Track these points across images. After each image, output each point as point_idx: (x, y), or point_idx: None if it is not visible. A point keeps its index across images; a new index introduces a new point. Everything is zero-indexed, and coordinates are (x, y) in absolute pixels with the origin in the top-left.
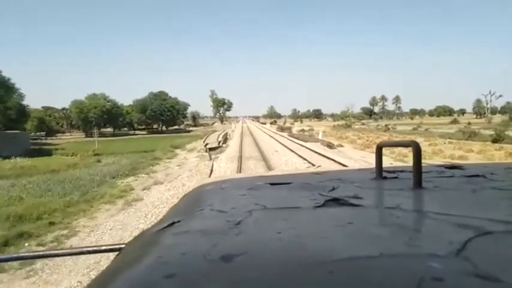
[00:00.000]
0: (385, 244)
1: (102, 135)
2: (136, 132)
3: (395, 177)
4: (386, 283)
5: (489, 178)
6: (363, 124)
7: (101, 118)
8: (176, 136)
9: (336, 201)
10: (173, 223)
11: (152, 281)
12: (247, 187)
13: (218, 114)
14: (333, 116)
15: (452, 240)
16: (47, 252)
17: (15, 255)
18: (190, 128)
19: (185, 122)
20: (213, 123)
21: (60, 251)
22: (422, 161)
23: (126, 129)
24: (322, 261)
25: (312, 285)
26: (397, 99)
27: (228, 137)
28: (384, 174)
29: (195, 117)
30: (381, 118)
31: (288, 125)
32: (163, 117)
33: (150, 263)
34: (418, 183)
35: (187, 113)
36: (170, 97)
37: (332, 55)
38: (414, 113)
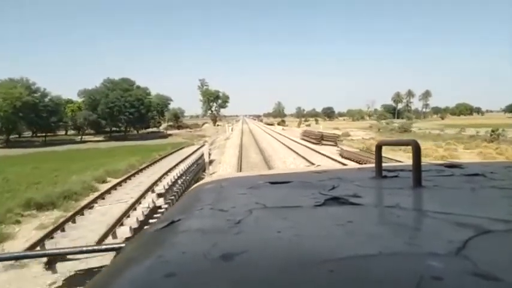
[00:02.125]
0: (385, 243)
1: (23, 142)
2: (87, 138)
3: (395, 176)
4: (386, 282)
5: (489, 177)
6: (404, 129)
7: (15, 116)
8: (138, 146)
9: (336, 200)
10: (173, 222)
11: (152, 280)
12: (247, 186)
13: (210, 111)
14: (342, 114)
15: (452, 239)
16: (47, 252)
17: (15, 254)
18: (170, 132)
19: (164, 124)
20: (203, 124)
21: (60, 250)
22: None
23: (84, 132)
24: (322, 260)
25: (312, 284)
26: (426, 95)
27: (206, 167)
28: (384, 173)
29: (177, 116)
30: (411, 118)
31: (316, 128)
32: (124, 115)
33: (150, 262)
34: (417, 182)
35: (167, 110)
36: (138, 87)
37: (337, 52)
38: (437, 111)
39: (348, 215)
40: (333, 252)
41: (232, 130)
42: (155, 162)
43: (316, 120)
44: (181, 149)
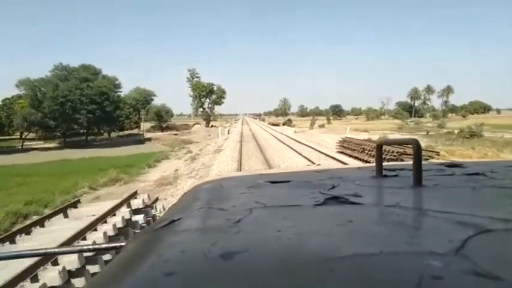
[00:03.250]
0: (385, 242)
1: None
2: (36, 144)
3: (396, 176)
4: (386, 281)
5: (489, 176)
6: (472, 133)
7: None
8: (86, 160)
9: (336, 200)
10: (173, 221)
11: (152, 279)
12: (247, 185)
13: (202, 109)
14: (347, 112)
15: (452, 238)
16: (48, 251)
17: (15, 253)
18: (152, 134)
19: (146, 124)
20: (193, 125)
21: (61, 249)
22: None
23: (26, 136)
24: (322, 259)
25: (312, 283)
26: (447, 91)
27: None
28: (384, 172)
29: (160, 116)
30: (438, 116)
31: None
32: (80, 113)
33: (150, 261)
34: (418, 181)
35: (147, 108)
36: (105, 76)
37: (339, 50)
38: (453, 110)
39: (348, 214)
40: (333, 252)
41: (228, 133)
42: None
43: (328, 120)
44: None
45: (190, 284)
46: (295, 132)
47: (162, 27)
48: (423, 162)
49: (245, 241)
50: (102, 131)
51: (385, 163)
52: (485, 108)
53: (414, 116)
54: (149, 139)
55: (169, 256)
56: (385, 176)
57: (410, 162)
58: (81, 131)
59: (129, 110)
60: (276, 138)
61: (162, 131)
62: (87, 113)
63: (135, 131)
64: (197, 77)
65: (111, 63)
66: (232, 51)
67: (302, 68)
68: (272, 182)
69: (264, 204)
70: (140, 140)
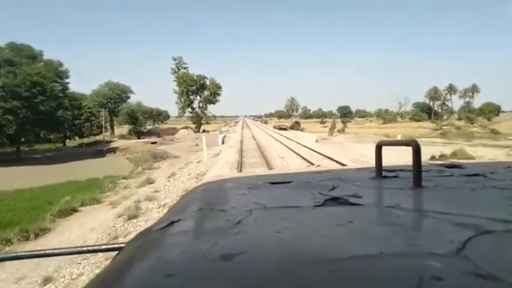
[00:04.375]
0: (385, 243)
1: None
2: None
3: (395, 176)
4: (386, 282)
5: (489, 177)
6: None
7: None
8: None
9: (336, 200)
10: (173, 222)
11: (152, 280)
12: (247, 186)
13: (191, 110)
14: (357, 113)
15: (452, 239)
16: (47, 252)
17: (14, 254)
18: (121, 143)
19: (118, 130)
20: (181, 129)
21: (60, 250)
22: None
23: None
24: (322, 260)
25: (312, 284)
26: (472, 91)
27: None
28: (384, 173)
29: (134, 117)
30: (473, 120)
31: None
32: None
33: (150, 263)
34: (417, 182)
35: (120, 108)
36: (49, 62)
37: (340, 49)
38: (469, 111)
39: (348, 215)
40: (332, 253)
41: (223, 142)
42: None
43: (344, 123)
44: None
45: (190, 286)
46: (316, 141)
47: (161, 25)
48: (423, 164)
49: (245, 242)
50: (51, 139)
51: (384, 164)
52: (498, 110)
53: (431, 118)
54: (114, 150)
55: (169, 257)
56: (385, 177)
57: (410, 163)
58: (32, 138)
59: (90, 110)
60: (297, 154)
61: (139, 137)
62: (3, 114)
63: (107, 135)
64: (184, 68)
65: (111, 61)
66: (232, 51)
67: (303, 69)
68: (272, 183)
69: (264, 205)
70: (101, 151)
